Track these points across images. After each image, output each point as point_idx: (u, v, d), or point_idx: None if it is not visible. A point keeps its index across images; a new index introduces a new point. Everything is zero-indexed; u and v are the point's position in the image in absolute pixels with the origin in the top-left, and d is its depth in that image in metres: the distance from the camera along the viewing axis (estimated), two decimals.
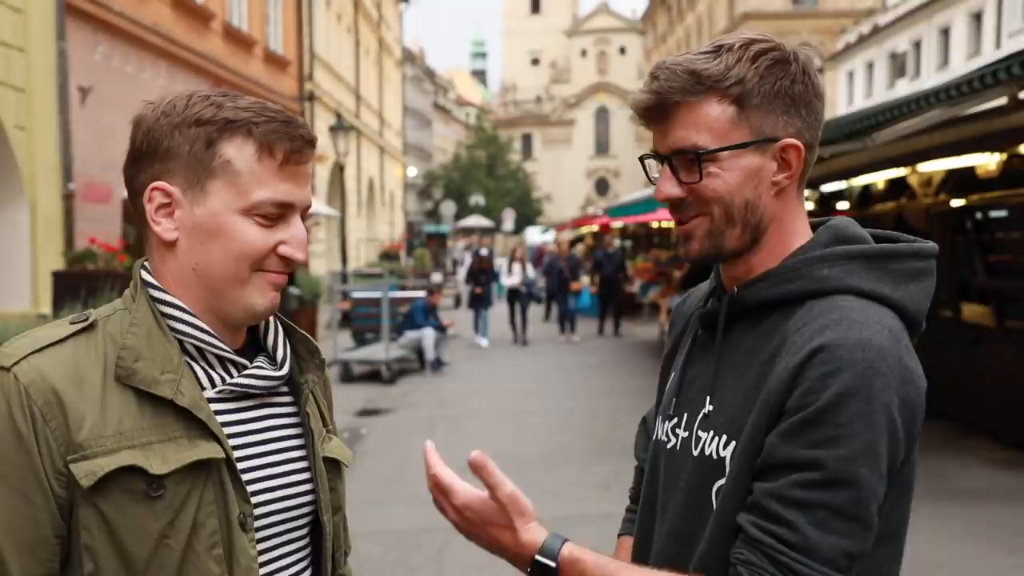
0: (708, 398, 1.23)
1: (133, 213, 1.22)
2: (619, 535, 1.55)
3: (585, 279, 18.36)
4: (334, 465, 1.33)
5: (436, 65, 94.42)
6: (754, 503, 1.08)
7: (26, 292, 10.26)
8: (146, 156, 1.17)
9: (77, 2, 11.40)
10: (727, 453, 1.15)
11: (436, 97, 67.38)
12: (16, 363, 1.09)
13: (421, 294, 13.82)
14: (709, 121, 1.16)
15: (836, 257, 1.16)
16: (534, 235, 42.27)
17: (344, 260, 18.46)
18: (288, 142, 1.17)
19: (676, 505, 1.23)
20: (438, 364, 12.60)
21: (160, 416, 1.12)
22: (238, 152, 1.16)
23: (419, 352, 12.63)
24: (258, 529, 1.19)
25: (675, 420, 1.29)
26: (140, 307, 1.17)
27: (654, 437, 1.37)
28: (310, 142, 1.20)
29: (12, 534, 1.06)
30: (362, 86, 29.06)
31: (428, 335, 12.46)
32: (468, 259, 18.89)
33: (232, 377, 1.21)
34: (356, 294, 13.90)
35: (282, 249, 1.18)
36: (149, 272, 1.21)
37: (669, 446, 1.29)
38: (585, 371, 12.42)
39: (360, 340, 13.35)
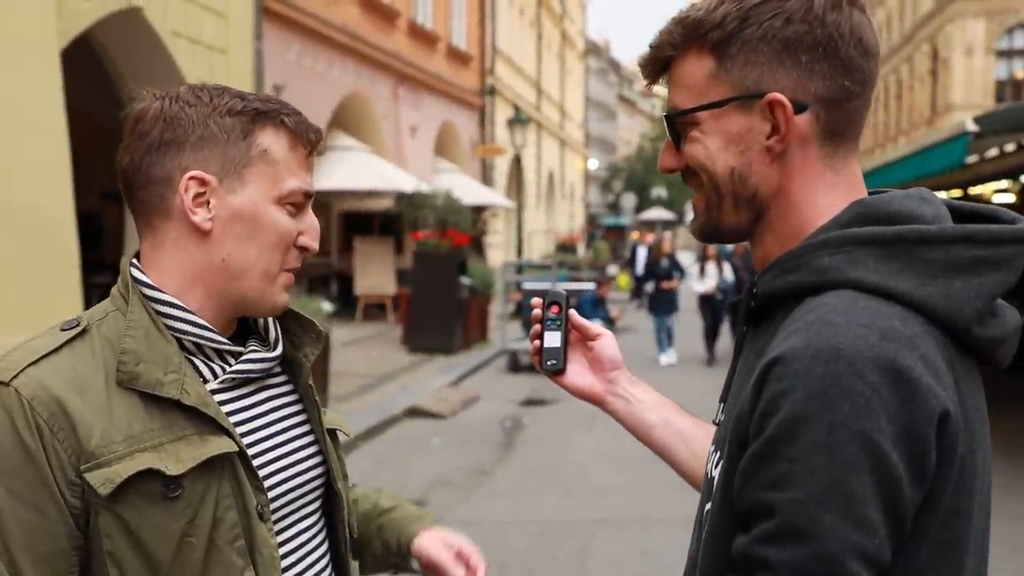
0: (722, 406, 1.08)
1: (136, 204, 1.19)
2: None
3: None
4: (332, 435, 1.35)
5: (622, 57, 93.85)
6: (733, 563, 0.90)
7: None
8: (171, 145, 1.15)
9: (273, 5, 12.16)
10: (716, 473, 0.98)
11: (621, 89, 67.02)
12: (15, 376, 1.07)
13: (590, 286, 13.81)
14: (689, 77, 1.01)
15: (841, 242, 0.92)
16: None
17: (519, 251, 18.73)
18: (313, 133, 1.21)
19: (695, 522, 1.10)
20: None
21: (167, 416, 1.11)
22: (273, 141, 1.18)
23: None
24: (274, 511, 1.20)
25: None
26: (135, 308, 1.15)
27: None
28: (320, 134, 1.24)
29: (29, 549, 1.05)
30: (543, 79, 29.33)
31: None
32: (642, 254, 15.62)
33: (231, 366, 1.21)
34: (527, 285, 14.07)
35: (301, 239, 1.21)
36: (140, 270, 1.19)
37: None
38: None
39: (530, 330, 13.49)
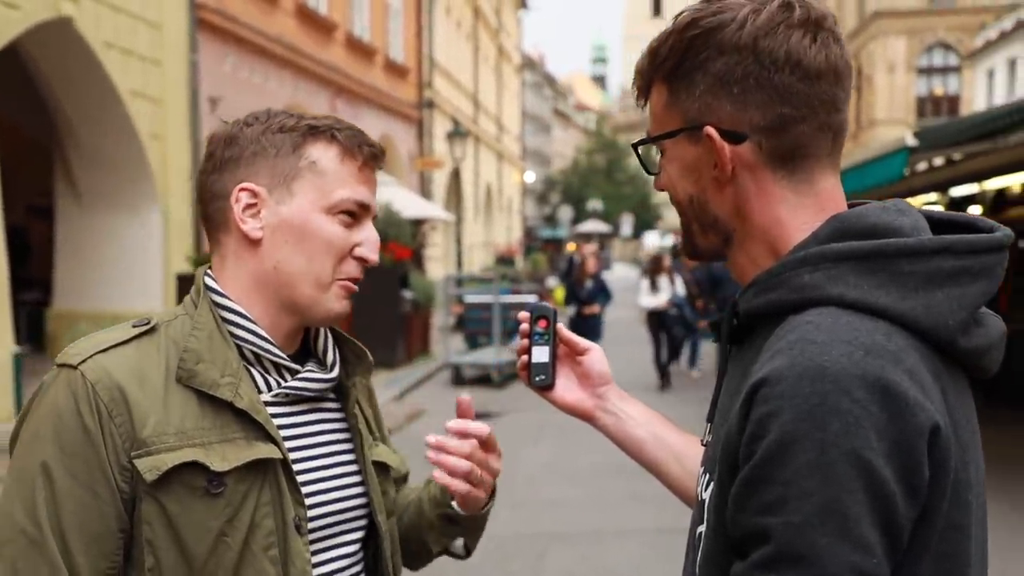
0: (709, 426, 1.07)
1: (205, 220, 1.27)
2: None
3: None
4: (384, 469, 1.36)
5: (556, 71, 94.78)
6: None
7: (158, 293, 10.81)
8: (229, 162, 1.22)
9: (208, 16, 11.96)
10: (707, 495, 0.97)
11: (556, 103, 67.60)
12: (83, 361, 1.12)
13: (532, 298, 13.85)
14: (654, 106, 1.04)
15: (821, 258, 0.91)
16: (652, 239, 41.99)
17: (459, 264, 18.70)
18: (367, 147, 1.25)
19: (687, 545, 1.09)
20: None
21: (219, 417, 1.16)
22: (323, 153, 1.23)
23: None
24: (312, 531, 1.22)
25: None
26: (203, 312, 1.21)
27: None
28: (383, 151, 1.29)
29: (79, 526, 1.09)
30: (480, 92, 29.40)
31: None
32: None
33: (287, 381, 1.24)
34: (469, 298, 14.05)
35: (358, 251, 1.24)
36: (213, 279, 1.25)
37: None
38: (700, 386, 12.12)
39: (472, 343, 13.49)
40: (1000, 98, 31.94)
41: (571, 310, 11.66)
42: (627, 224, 44.87)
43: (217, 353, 1.17)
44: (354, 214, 1.23)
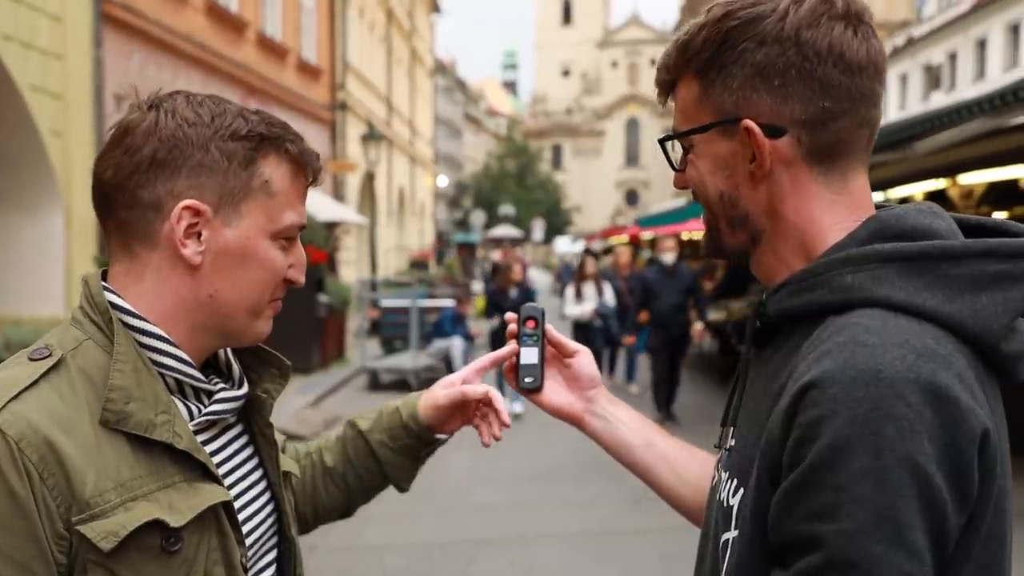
0: (732, 430, 1.04)
1: (115, 224, 1.07)
2: None
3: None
4: (286, 477, 1.27)
5: (468, 76, 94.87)
6: None
7: (59, 296, 10.35)
8: (166, 167, 1.04)
9: (114, 11, 11.52)
10: (736, 502, 0.95)
11: (467, 107, 67.60)
12: None
13: (450, 303, 13.78)
14: (683, 101, 1.01)
15: (863, 259, 0.89)
16: (564, 245, 42.41)
17: (374, 268, 18.50)
18: (316, 162, 1.14)
19: (701, 552, 1.06)
20: None
21: (155, 461, 1.01)
22: (275, 171, 1.09)
23: (447, 361, 12.58)
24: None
25: (720, 454, 1.09)
26: (121, 340, 1.03)
27: None
28: (320, 164, 1.18)
29: None
30: (394, 96, 29.16)
31: (456, 344, 12.40)
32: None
33: (205, 405, 1.11)
34: (385, 302, 13.89)
35: (289, 273, 1.13)
36: (118, 295, 1.07)
37: (712, 483, 1.09)
38: (622, 385, 12.25)
39: (389, 348, 13.33)
40: (892, 111, 33.41)
41: (494, 322, 10.04)
42: (539, 229, 45.11)
43: (146, 388, 1.01)
44: (293, 238, 1.13)
